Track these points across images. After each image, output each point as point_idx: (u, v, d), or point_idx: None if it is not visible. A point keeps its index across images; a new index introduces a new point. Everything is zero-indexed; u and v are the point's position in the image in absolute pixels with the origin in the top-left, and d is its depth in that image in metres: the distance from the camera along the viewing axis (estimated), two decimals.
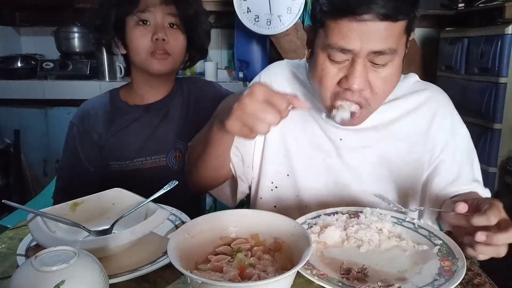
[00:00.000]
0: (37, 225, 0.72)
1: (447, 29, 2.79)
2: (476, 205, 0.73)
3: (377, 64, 0.82)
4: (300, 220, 0.83)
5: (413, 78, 1.04)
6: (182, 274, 0.60)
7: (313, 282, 0.66)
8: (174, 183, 0.87)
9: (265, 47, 2.59)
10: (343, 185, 1.00)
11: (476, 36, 2.35)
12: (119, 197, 0.88)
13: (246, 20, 2.37)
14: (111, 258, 0.72)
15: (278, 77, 1.06)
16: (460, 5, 2.68)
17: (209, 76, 2.72)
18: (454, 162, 0.97)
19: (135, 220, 0.79)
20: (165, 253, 0.66)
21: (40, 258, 0.51)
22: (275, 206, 1.04)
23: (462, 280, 0.66)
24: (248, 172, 1.06)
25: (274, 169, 1.04)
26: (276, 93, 0.74)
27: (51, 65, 2.77)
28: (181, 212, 0.88)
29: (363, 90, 0.84)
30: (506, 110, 2.19)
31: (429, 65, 2.92)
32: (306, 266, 0.68)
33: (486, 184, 1.01)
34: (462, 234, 0.73)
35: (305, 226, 0.81)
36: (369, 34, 0.78)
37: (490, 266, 0.75)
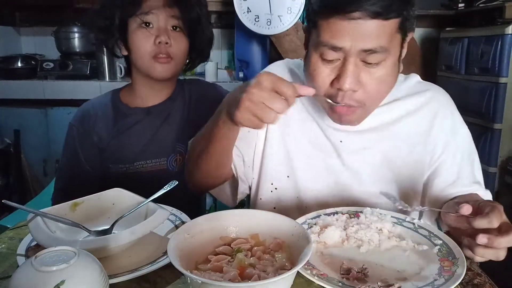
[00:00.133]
0: (37, 225, 0.72)
1: (447, 29, 2.79)
2: (478, 207, 0.72)
3: (370, 63, 0.81)
4: (300, 220, 0.83)
5: (415, 79, 1.03)
6: (182, 274, 0.60)
7: (313, 282, 0.66)
8: (174, 183, 0.87)
9: (265, 47, 2.59)
10: (344, 186, 1.00)
11: (476, 36, 2.35)
12: (119, 197, 0.88)
13: (246, 20, 2.37)
14: (111, 258, 0.72)
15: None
16: (460, 5, 2.67)
17: (209, 76, 2.72)
18: (455, 163, 0.97)
19: (135, 220, 0.79)
20: (165, 253, 0.66)
21: (40, 258, 0.51)
22: (274, 208, 1.04)
23: (462, 280, 0.65)
24: (248, 172, 1.06)
25: (274, 170, 1.04)
26: (282, 81, 0.75)
27: (51, 65, 2.78)
28: (181, 212, 0.88)
29: (355, 91, 0.83)
30: (506, 110, 2.19)
31: (429, 65, 2.92)
32: (306, 266, 0.68)
33: (486, 184, 1.00)
34: (461, 236, 0.73)
35: (305, 226, 0.81)
36: (360, 32, 0.78)
37: (490, 266, 0.75)
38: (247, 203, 1.17)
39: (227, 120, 0.84)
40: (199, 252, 0.68)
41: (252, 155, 1.05)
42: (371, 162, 0.98)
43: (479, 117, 2.28)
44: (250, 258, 0.66)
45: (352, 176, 0.99)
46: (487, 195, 0.96)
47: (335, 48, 0.81)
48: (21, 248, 0.75)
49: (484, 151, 2.24)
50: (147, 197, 0.84)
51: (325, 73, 0.85)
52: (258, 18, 2.36)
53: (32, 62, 2.84)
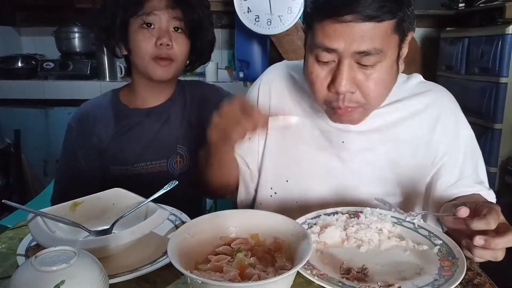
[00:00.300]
0: (37, 225, 0.72)
1: (447, 29, 2.79)
2: (475, 208, 0.72)
3: (365, 65, 0.81)
4: (300, 220, 0.83)
5: (417, 79, 1.03)
6: (182, 274, 0.61)
7: (313, 282, 0.66)
8: (174, 183, 0.87)
9: (265, 47, 2.59)
10: (345, 188, 1.00)
11: (477, 36, 2.35)
12: (119, 197, 0.88)
13: (246, 20, 2.37)
14: (111, 258, 0.72)
15: (276, 81, 1.07)
16: (460, 5, 2.67)
17: (210, 76, 2.72)
18: (457, 164, 0.96)
19: (135, 220, 0.79)
20: (165, 253, 0.66)
21: (40, 258, 0.51)
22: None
23: (462, 280, 0.65)
24: (254, 176, 1.08)
25: (274, 175, 1.04)
26: (252, 105, 0.82)
27: (52, 65, 2.78)
28: (181, 212, 0.88)
29: (352, 93, 0.83)
30: (506, 110, 2.18)
31: (429, 65, 2.92)
32: (306, 266, 0.68)
33: None
34: (460, 237, 0.73)
35: (305, 226, 0.81)
36: (353, 34, 0.78)
37: (490, 266, 0.75)
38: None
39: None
40: (199, 252, 0.69)
41: (255, 161, 1.07)
42: (373, 164, 0.98)
43: (479, 117, 2.28)
44: (250, 258, 0.66)
45: (353, 178, 0.99)
46: (489, 195, 0.96)
47: (329, 50, 0.81)
48: (21, 248, 0.75)
49: (484, 151, 2.22)
50: (147, 198, 0.84)
51: (322, 76, 0.85)
52: (258, 18, 2.36)
53: (33, 62, 2.85)
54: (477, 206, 0.73)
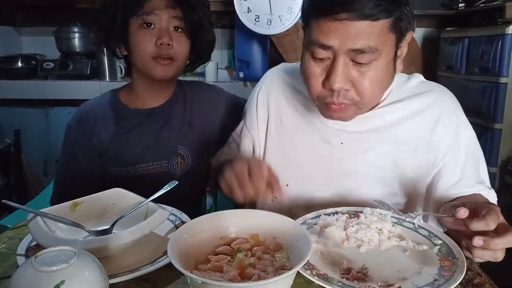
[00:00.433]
0: (37, 225, 0.72)
1: (447, 29, 2.78)
2: (475, 209, 0.72)
3: (360, 63, 0.81)
4: (300, 220, 0.83)
5: (418, 79, 1.02)
6: (182, 274, 0.60)
7: (313, 282, 0.66)
8: (174, 183, 0.87)
9: (265, 47, 2.59)
10: (346, 190, 0.99)
11: (477, 36, 2.35)
12: (119, 197, 0.88)
13: (246, 20, 2.37)
14: (111, 258, 0.72)
15: (273, 88, 1.10)
16: (460, 5, 2.67)
17: (210, 76, 2.72)
18: (458, 164, 0.96)
19: (135, 220, 0.79)
20: (165, 253, 0.66)
21: (40, 258, 0.51)
22: None
23: (462, 280, 0.66)
24: None
25: None
26: (259, 170, 0.82)
27: (52, 65, 2.78)
28: (181, 212, 0.88)
29: (346, 90, 0.84)
30: (506, 110, 2.18)
31: (429, 65, 2.92)
32: (306, 266, 0.68)
33: None
34: (460, 237, 0.73)
35: (305, 226, 0.81)
36: (348, 32, 0.78)
37: (490, 266, 0.75)
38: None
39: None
40: (199, 252, 0.69)
41: None
42: (373, 164, 0.98)
43: (479, 117, 2.28)
44: (250, 258, 0.66)
45: (354, 180, 0.99)
46: (490, 195, 0.96)
47: (324, 47, 0.82)
48: (21, 248, 0.75)
49: (484, 151, 2.20)
50: (147, 198, 0.84)
51: (317, 73, 0.86)
52: (258, 18, 2.36)
53: (33, 62, 2.84)
54: (476, 207, 0.72)
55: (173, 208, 0.88)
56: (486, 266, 0.76)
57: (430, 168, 0.97)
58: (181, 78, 1.31)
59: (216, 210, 0.78)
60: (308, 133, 1.02)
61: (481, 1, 2.45)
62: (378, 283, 0.66)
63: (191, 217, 0.77)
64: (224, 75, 2.92)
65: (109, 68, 2.77)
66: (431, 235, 0.79)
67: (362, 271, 0.69)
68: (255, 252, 0.68)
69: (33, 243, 0.76)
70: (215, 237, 0.72)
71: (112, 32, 1.15)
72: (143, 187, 0.87)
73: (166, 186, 0.86)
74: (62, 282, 0.48)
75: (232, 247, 0.70)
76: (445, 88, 1.03)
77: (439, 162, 0.96)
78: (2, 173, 2.61)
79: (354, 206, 0.91)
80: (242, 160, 0.86)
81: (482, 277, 0.72)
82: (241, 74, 2.65)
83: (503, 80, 2.16)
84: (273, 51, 2.60)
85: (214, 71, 2.74)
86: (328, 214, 0.86)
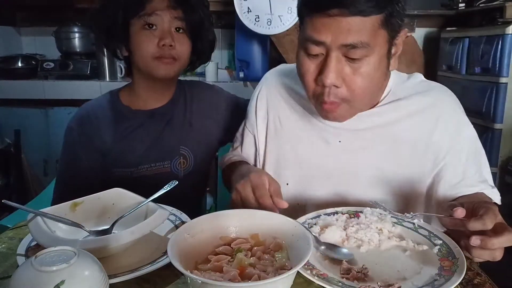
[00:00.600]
0: (37, 225, 0.72)
1: (447, 29, 2.78)
2: (473, 209, 0.72)
3: (353, 59, 0.83)
4: (300, 220, 0.83)
5: (418, 78, 1.03)
6: (182, 274, 0.60)
7: (313, 282, 0.66)
8: (174, 183, 0.87)
9: (265, 47, 2.59)
10: (345, 189, 1.00)
11: (477, 36, 2.35)
12: (119, 197, 0.88)
13: (246, 20, 2.37)
14: (111, 258, 0.72)
15: (272, 91, 1.11)
16: (460, 5, 2.67)
17: (210, 76, 2.72)
18: (459, 164, 0.96)
19: (135, 220, 0.78)
20: (165, 253, 0.66)
21: (40, 258, 0.51)
22: None
23: (462, 280, 0.65)
24: None
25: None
26: (261, 189, 0.84)
27: (52, 65, 2.78)
28: (181, 212, 0.88)
29: (338, 87, 0.85)
30: (506, 110, 2.19)
31: (429, 65, 2.92)
32: (306, 266, 0.68)
33: None
34: (459, 237, 0.73)
35: (305, 226, 0.81)
36: (340, 28, 0.80)
37: (490, 266, 0.75)
38: None
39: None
40: (199, 252, 0.68)
41: (259, 167, 1.10)
42: (371, 163, 0.98)
43: (479, 117, 2.28)
44: (250, 258, 0.66)
45: (352, 179, 0.99)
46: (493, 194, 0.95)
47: (317, 43, 0.83)
48: (21, 248, 0.75)
49: (485, 151, 2.23)
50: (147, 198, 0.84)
51: (311, 69, 0.87)
52: (258, 18, 2.36)
53: (33, 62, 2.85)
54: (474, 206, 0.73)
55: (173, 208, 0.88)
56: (486, 266, 0.76)
57: (430, 167, 0.97)
58: (181, 78, 1.31)
59: (216, 210, 0.78)
60: (306, 132, 1.03)
61: (481, 1, 2.45)
62: (378, 283, 0.66)
63: (191, 217, 0.77)
64: (224, 75, 2.92)
65: (109, 68, 2.77)
66: (431, 235, 0.79)
67: (362, 271, 0.69)
68: (255, 252, 0.68)
69: (33, 243, 0.76)
70: (215, 237, 0.72)
71: (113, 33, 1.15)
72: (146, 188, 0.87)
73: (166, 186, 0.86)
74: (62, 282, 0.48)
75: (232, 247, 0.70)
76: (446, 87, 1.02)
77: (439, 162, 0.96)
78: (2, 173, 2.61)
79: (353, 205, 0.91)
80: (245, 181, 0.87)
81: (482, 277, 0.72)
82: (241, 74, 2.65)
83: (503, 80, 2.16)
84: (273, 51, 2.60)
85: (214, 71, 2.74)
86: (328, 214, 0.86)
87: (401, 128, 0.97)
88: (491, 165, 1.03)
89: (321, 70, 0.85)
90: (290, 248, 0.68)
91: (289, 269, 0.58)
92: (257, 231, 0.73)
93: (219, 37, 2.99)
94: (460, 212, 0.71)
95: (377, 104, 0.98)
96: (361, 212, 0.86)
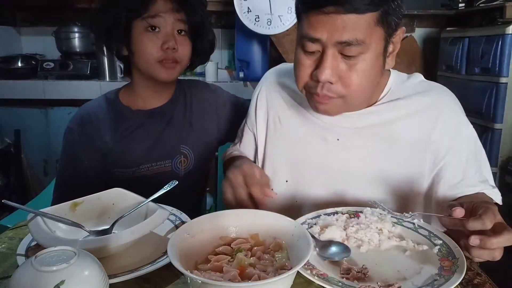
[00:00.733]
0: (37, 225, 0.72)
1: (447, 29, 2.79)
2: (472, 208, 0.72)
3: (348, 56, 0.83)
4: (300, 220, 0.83)
5: (418, 78, 1.03)
6: (182, 274, 0.60)
7: (313, 282, 0.66)
8: (174, 183, 0.87)
9: (265, 47, 2.59)
10: (343, 187, 1.00)
11: (477, 36, 2.35)
12: (119, 197, 0.88)
13: (246, 20, 2.37)
14: (111, 258, 0.72)
15: (271, 91, 1.12)
16: (460, 5, 2.68)
17: (210, 76, 2.72)
18: (459, 164, 0.96)
19: (135, 220, 0.78)
20: (165, 253, 0.66)
21: (40, 258, 0.51)
22: None
23: (462, 280, 0.65)
24: None
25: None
26: (251, 177, 0.89)
27: (52, 65, 2.78)
28: (181, 212, 0.88)
29: (332, 83, 0.85)
30: (506, 110, 2.19)
31: (429, 65, 2.92)
32: (306, 266, 0.68)
33: None
34: (459, 237, 0.73)
35: (305, 226, 0.81)
36: (335, 25, 0.81)
37: (490, 266, 0.75)
38: None
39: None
40: (199, 252, 0.69)
41: (258, 165, 1.11)
42: (369, 162, 0.98)
43: (479, 117, 2.28)
44: (250, 258, 0.66)
45: (350, 177, 0.99)
46: (494, 193, 0.95)
47: (313, 40, 0.84)
48: (21, 248, 0.75)
49: (485, 151, 2.23)
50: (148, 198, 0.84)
51: (307, 64, 0.88)
52: (258, 18, 2.36)
53: (33, 62, 2.84)
54: (473, 206, 0.73)
55: (173, 208, 0.88)
56: (486, 266, 0.76)
57: (429, 168, 0.97)
58: (180, 77, 1.30)
59: (216, 210, 0.78)
60: (304, 130, 1.04)
61: (481, 1, 2.46)
62: (378, 283, 0.66)
63: (191, 217, 0.77)
64: (224, 75, 2.92)
65: (109, 68, 2.77)
66: (431, 235, 0.79)
67: (362, 271, 0.69)
68: (255, 252, 0.68)
69: (33, 243, 0.76)
70: (215, 237, 0.72)
71: (114, 33, 1.14)
72: (147, 187, 0.87)
73: (166, 186, 0.86)
74: (62, 282, 0.48)
75: (232, 247, 0.70)
76: (445, 88, 1.02)
77: (439, 162, 0.96)
78: (2, 173, 2.61)
79: (351, 204, 0.91)
80: (237, 170, 0.91)
81: (482, 277, 0.72)
82: (241, 74, 2.66)
83: (503, 80, 2.16)
84: (273, 51, 2.60)
85: (214, 71, 2.74)
86: (328, 214, 0.86)
87: (400, 127, 0.97)
88: (491, 165, 1.03)
89: (317, 66, 0.86)
90: (290, 248, 0.68)
91: (289, 269, 0.58)
92: (257, 231, 0.73)
93: (219, 37, 2.99)
94: (459, 212, 0.71)
95: (375, 102, 0.98)
96: (361, 212, 0.86)
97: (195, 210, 1.33)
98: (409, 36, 2.93)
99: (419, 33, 3.03)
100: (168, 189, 0.86)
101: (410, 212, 0.82)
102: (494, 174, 2.19)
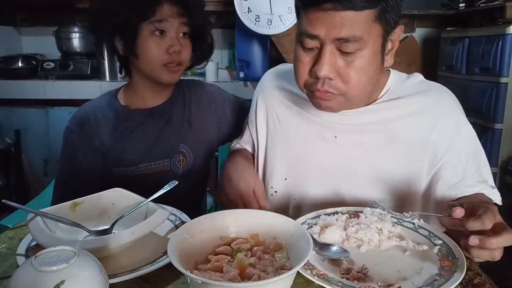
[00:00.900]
0: (37, 225, 0.72)
1: (448, 29, 2.79)
2: (472, 208, 0.72)
3: (346, 52, 0.84)
4: (300, 220, 0.83)
5: (418, 78, 1.03)
6: (182, 274, 0.61)
7: (313, 282, 0.66)
8: (174, 183, 0.87)
9: (265, 47, 2.59)
10: (342, 186, 1.00)
11: (477, 36, 2.35)
12: (119, 197, 0.88)
13: (246, 20, 2.37)
14: (111, 258, 0.72)
15: (270, 89, 1.13)
16: (461, 5, 2.68)
17: (210, 76, 2.72)
18: (459, 164, 0.96)
19: (135, 220, 0.79)
20: (165, 253, 0.66)
21: (40, 258, 0.51)
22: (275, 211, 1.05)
23: (462, 280, 0.66)
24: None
25: (274, 175, 1.07)
26: (247, 192, 0.94)
27: (52, 65, 2.77)
28: (181, 212, 0.88)
29: (331, 79, 0.86)
30: (506, 110, 2.19)
31: (429, 65, 2.92)
32: (306, 266, 0.68)
33: None
34: (459, 237, 0.73)
35: (305, 226, 0.81)
36: (333, 22, 0.81)
37: (490, 266, 0.75)
38: None
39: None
40: (199, 252, 0.69)
41: (260, 164, 1.13)
42: (368, 161, 0.98)
43: (479, 117, 2.28)
44: (250, 258, 0.66)
45: (349, 176, 0.99)
46: (493, 194, 0.95)
47: (311, 36, 0.85)
48: (21, 248, 0.75)
49: (485, 151, 2.22)
50: (148, 198, 0.84)
51: (306, 61, 0.89)
52: (258, 18, 2.36)
53: (33, 62, 2.84)
54: (473, 206, 0.73)
55: (173, 208, 0.88)
56: (486, 266, 0.76)
57: (427, 167, 0.97)
58: (180, 77, 1.31)
59: (216, 210, 0.78)
60: (302, 128, 1.05)
61: (482, 1, 2.46)
62: (378, 283, 0.66)
63: (191, 217, 0.77)
64: (224, 75, 2.92)
65: (109, 68, 2.77)
66: (431, 235, 0.79)
67: (362, 271, 0.69)
68: (255, 252, 0.68)
69: (33, 243, 0.76)
70: (215, 237, 0.72)
71: (119, 36, 1.14)
72: (147, 186, 0.87)
73: (166, 186, 0.86)
74: (62, 282, 0.48)
75: (232, 247, 0.70)
76: (445, 88, 1.02)
77: (437, 162, 0.96)
78: (2, 173, 2.61)
79: (349, 202, 0.92)
80: (234, 188, 0.96)
81: (482, 277, 0.72)
82: (241, 74, 2.65)
83: (503, 80, 2.16)
84: (273, 51, 2.60)
85: (214, 71, 2.74)
86: (328, 214, 0.86)
87: (399, 126, 0.97)
88: (491, 165, 1.03)
89: (315, 62, 0.87)
90: (290, 248, 0.68)
91: (289, 269, 0.58)
92: (257, 231, 0.73)
93: (219, 37, 2.99)
94: (459, 212, 0.71)
95: (375, 101, 0.98)
96: (361, 212, 0.86)
97: (195, 210, 1.33)
98: (409, 36, 2.93)
99: (419, 33, 3.03)
100: (168, 189, 0.86)
101: (410, 212, 0.82)
102: (494, 174, 2.19)
